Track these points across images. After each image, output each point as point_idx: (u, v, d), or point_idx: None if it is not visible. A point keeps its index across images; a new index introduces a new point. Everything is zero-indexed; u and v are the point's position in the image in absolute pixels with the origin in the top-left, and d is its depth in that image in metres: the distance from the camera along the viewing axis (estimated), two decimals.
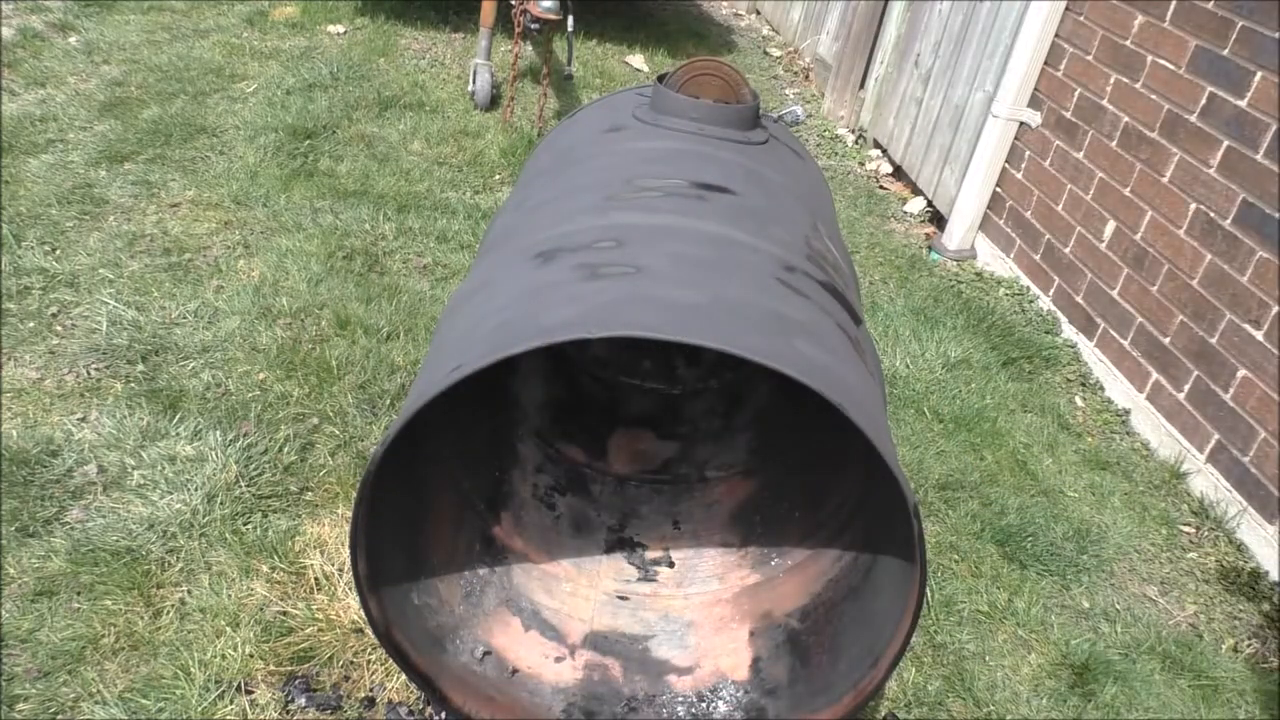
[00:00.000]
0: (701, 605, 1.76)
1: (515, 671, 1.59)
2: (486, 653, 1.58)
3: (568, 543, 1.83)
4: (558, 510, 1.88)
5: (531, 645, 1.65)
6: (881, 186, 4.38)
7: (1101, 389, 3.01)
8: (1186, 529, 2.48)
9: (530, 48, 4.73)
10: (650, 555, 1.85)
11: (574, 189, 1.56)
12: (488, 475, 1.79)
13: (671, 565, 1.84)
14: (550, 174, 1.72)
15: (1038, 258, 3.44)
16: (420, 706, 1.69)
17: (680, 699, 1.62)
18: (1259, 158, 2.44)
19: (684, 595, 1.79)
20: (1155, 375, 2.81)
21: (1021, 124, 3.52)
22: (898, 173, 4.43)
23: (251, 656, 1.72)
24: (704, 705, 1.61)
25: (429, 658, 1.44)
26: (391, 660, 1.36)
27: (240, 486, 2.06)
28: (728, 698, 1.62)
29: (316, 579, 1.89)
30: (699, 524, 1.92)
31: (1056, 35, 3.35)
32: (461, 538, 1.66)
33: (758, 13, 7.28)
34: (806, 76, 5.87)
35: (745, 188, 1.54)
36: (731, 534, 1.86)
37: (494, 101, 4.26)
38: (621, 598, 1.78)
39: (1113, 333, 3.02)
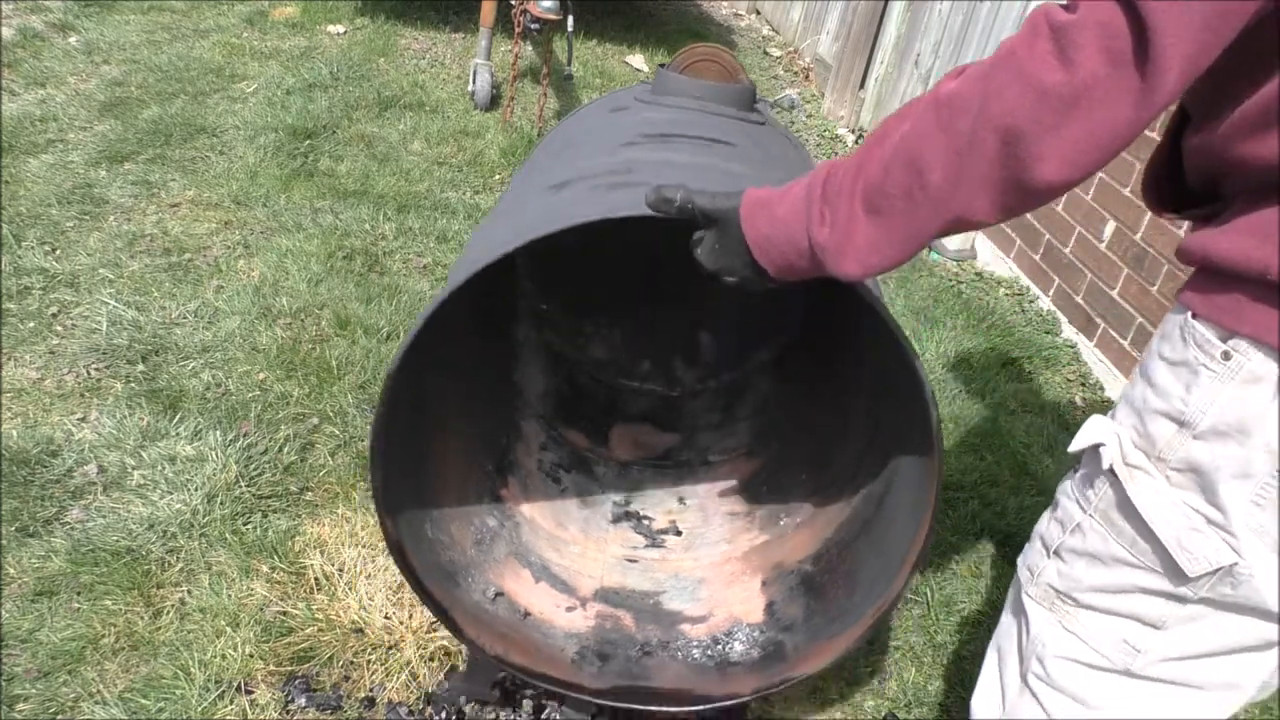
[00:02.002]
0: (711, 565, 1.80)
1: (527, 615, 1.64)
2: (499, 594, 1.62)
3: (574, 512, 1.87)
4: (563, 484, 1.92)
5: (542, 595, 1.69)
6: None
7: (1102, 389, 3.01)
8: None
9: (530, 48, 4.73)
10: (657, 526, 1.90)
11: (582, 150, 1.63)
12: (494, 443, 1.83)
13: (679, 534, 1.89)
14: (557, 150, 1.79)
15: (1038, 257, 3.43)
16: (420, 706, 1.69)
17: (695, 643, 1.66)
18: None
19: (693, 558, 1.83)
20: None
21: None
22: None
23: (251, 656, 1.72)
24: (719, 647, 1.65)
25: (442, 590, 1.48)
26: (408, 583, 1.40)
27: (240, 486, 2.06)
28: (743, 638, 1.65)
29: (316, 579, 1.89)
30: (704, 498, 1.95)
31: None
32: (470, 489, 1.70)
33: (758, 13, 7.28)
34: (806, 76, 5.88)
35: (745, 143, 1.60)
36: (738, 504, 1.91)
37: (494, 101, 4.26)
38: (630, 560, 1.82)
39: (1113, 333, 3.02)
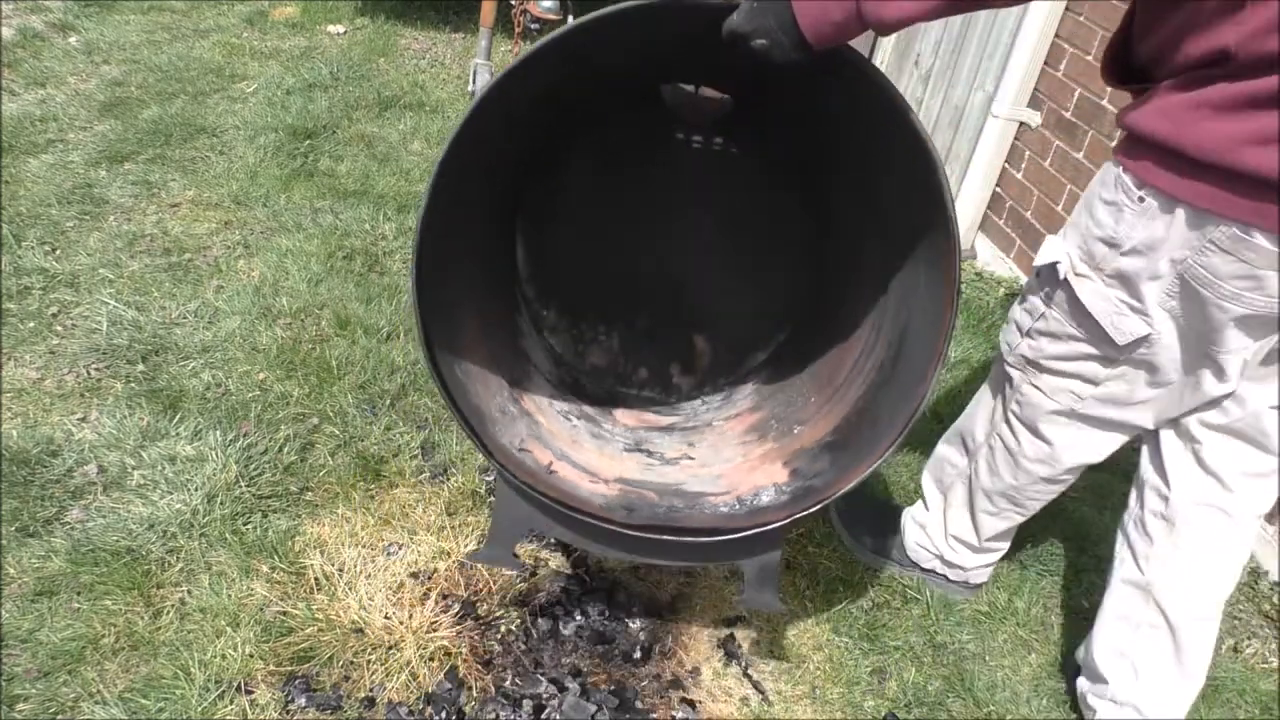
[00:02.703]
0: (731, 468, 1.87)
1: (552, 471, 1.69)
2: (524, 450, 1.65)
3: (587, 441, 1.92)
4: (574, 424, 1.96)
5: (565, 468, 1.74)
6: None
7: None
8: None
9: (530, 47, 4.72)
10: (670, 455, 1.95)
11: None
12: (509, 367, 1.88)
13: (693, 460, 1.94)
14: None
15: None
16: (420, 706, 1.69)
17: (723, 505, 1.70)
18: None
19: (711, 469, 1.89)
20: None
21: (1021, 124, 3.52)
22: None
23: (251, 656, 1.72)
24: (746, 502, 1.70)
25: (475, 421, 1.52)
26: (442, 399, 1.46)
27: (240, 486, 2.06)
28: (771, 493, 1.72)
29: (316, 579, 1.89)
30: (714, 441, 2.01)
31: (1056, 35, 3.35)
32: (491, 381, 1.75)
33: None
34: None
35: None
36: (749, 436, 1.97)
37: None
38: (648, 467, 1.90)
39: None
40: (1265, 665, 2.10)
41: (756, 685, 1.85)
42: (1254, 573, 2.34)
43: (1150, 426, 1.65)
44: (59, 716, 1.61)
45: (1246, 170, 1.21)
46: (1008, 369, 1.71)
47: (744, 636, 1.95)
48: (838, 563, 2.16)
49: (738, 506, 1.69)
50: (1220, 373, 1.48)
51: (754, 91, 2.06)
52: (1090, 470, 2.60)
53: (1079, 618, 2.15)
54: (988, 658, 2.00)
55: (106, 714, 1.60)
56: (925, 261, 1.53)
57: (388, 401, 2.39)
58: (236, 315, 2.61)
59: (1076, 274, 1.49)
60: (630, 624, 1.92)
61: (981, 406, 1.86)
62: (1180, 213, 1.32)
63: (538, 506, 1.58)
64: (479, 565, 1.95)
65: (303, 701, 1.67)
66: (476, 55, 4.29)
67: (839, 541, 2.20)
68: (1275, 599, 2.27)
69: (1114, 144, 1.48)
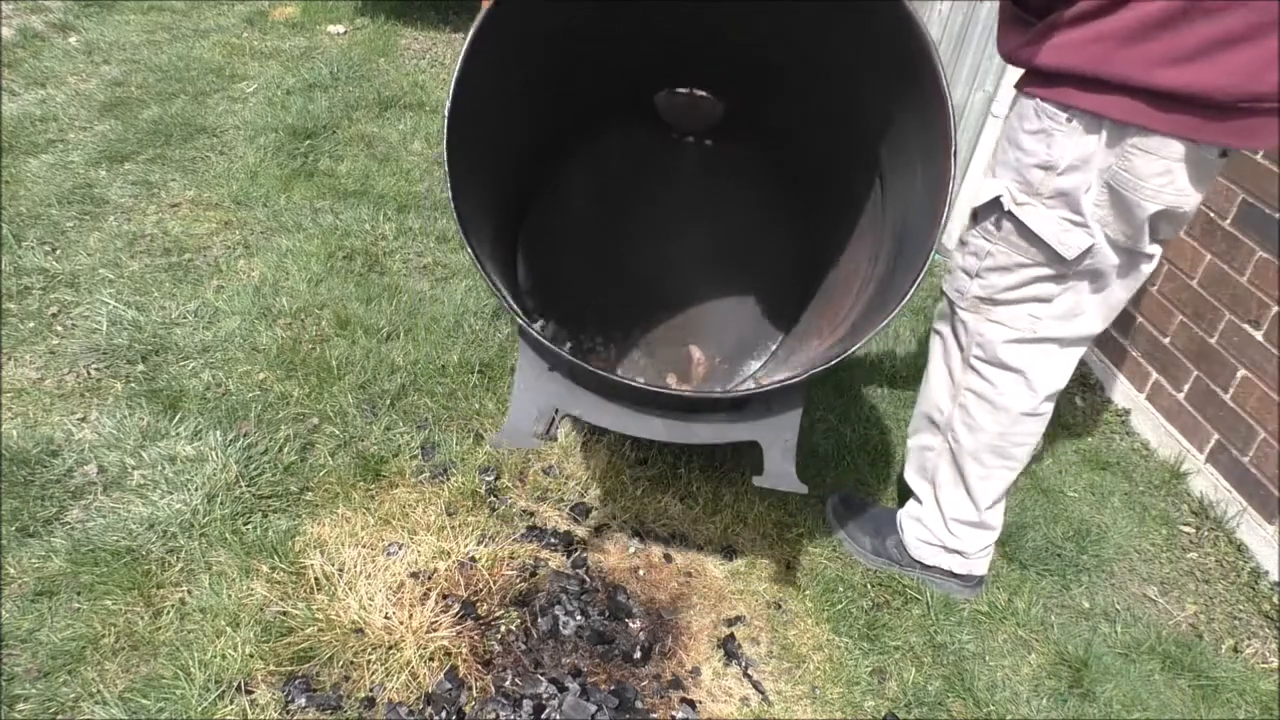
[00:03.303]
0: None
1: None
2: (544, 324, 1.65)
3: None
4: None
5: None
6: None
7: (1101, 389, 3.01)
8: (1186, 529, 2.48)
9: None
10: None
11: None
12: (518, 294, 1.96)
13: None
14: None
15: None
16: (420, 706, 1.69)
17: (743, 388, 1.71)
18: (1258, 158, 2.44)
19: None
20: (1155, 375, 2.81)
21: None
22: None
23: (251, 656, 1.72)
24: (772, 376, 1.70)
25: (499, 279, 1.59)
26: (461, 233, 1.51)
27: (240, 486, 2.06)
28: (788, 372, 1.77)
29: (316, 579, 1.89)
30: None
31: None
32: (505, 287, 1.80)
33: None
34: None
35: None
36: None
37: None
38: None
39: (1112, 332, 3.01)
40: (1265, 665, 2.10)
41: (756, 685, 1.85)
42: (1254, 573, 2.35)
43: (1099, 330, 1.82)
44: (59, 716, 1.61)
45: (1161, 88, 1.45)
46: (961, 315, 1.85)
47: (744, 636, 1.95)
48: (838, 563, 2.16)
49: (757, 387, 1.72)
50: (1145, 267, 1.74)
51: (742, 93, 2.10)
52: (1090, 470, 2.62)
53: (1079, 617, 2.15)
54: (988, 658, 2.00)
55: (106, 714, 1.60)
56: (920, 149, 1.60)
57: (388, 401, 2.38)
58: (236, 315, 2.60)
59: (1018, 203, 1.66)
60: (630, 624, 1.92)
61: (935, 380, 1.98)
62: (1106, 126, 1.53)
63: (561, 368, 1.57)
64: (479, 565, 1.95)
65: (303, 701, 1.67)
66: None
67: (839, 541, 2.20)
68: (1275, 599, 2.27)
69: (1021, 82, 1.64)
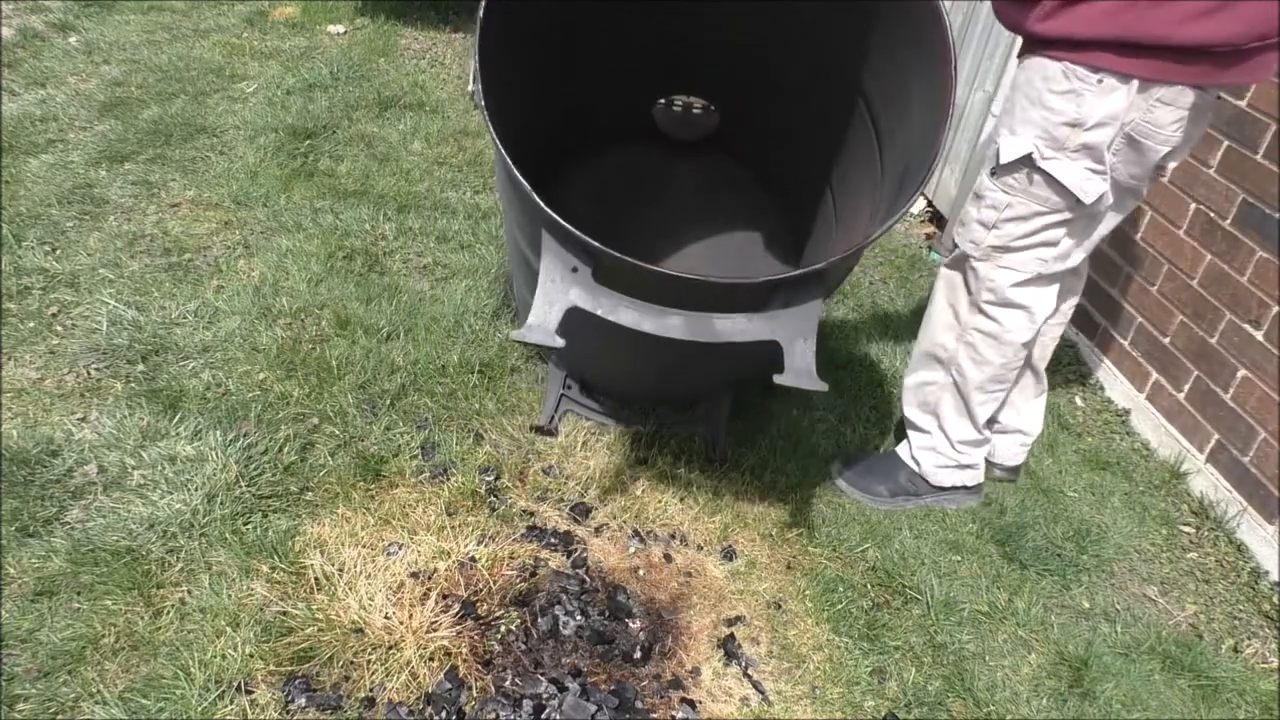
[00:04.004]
0: None
1: None
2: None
3: None
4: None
5: None
6: None
7: (1101, 389, 3.01)
8: (1186, 529, 2.48)
9: None
10: None
11: None
12: None
13: None
14: None
15: None
16: (420, 706, 1.69)
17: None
18: (1259, 158, 2.44)
19: None
20: (1155, 375, 2.81)
21: None
22: None
23: (251, 656, 1.72)
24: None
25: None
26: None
27: (240, 486, 2.06)
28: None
29: (316, 579, 1.89)
30: None
31: None
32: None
33: None
34: None
35: None
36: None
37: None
38: None
39: (1113, 333, 3.01)
40: (1265, 665, 2.10)
41: (756, 685, 1.85)
42: (1254, 573, 2.35)
43: (1077, 264, 2.08)
44: (59, 716, 1.61)
45: (1189, 43, 1.65)
46: (973, 264, 2.04)
47: (744, 636, 1.95)
48: (838, 563, 2.16)
49: (778, 274, 1.74)
50: (1133, 204, 2.01)
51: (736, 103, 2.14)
52: (1090, 470, 2.62)
53: (1079, 618, 2.15)
54: (988, 658, 2.00)
55: (106, 714, 1.60)
56: (915, 75, 1.69)
57: (388, 401, 2.38)
58: (236, 315, 2.61)
59: (1044, 158, 1.84)
60: (630, 624, 1.92)
61: (938, 321, 2.18)
62: (1134, 84, 1.73)
63: (582, 269, 1.58)
64: (479, 565, 1.95)
65: (303, 701, 1.67)
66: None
67: (839, 541, 2.21)
68: (1275, 599, 2.27)
69: (1038, 47, 1.81)
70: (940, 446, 2.29)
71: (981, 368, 2.14)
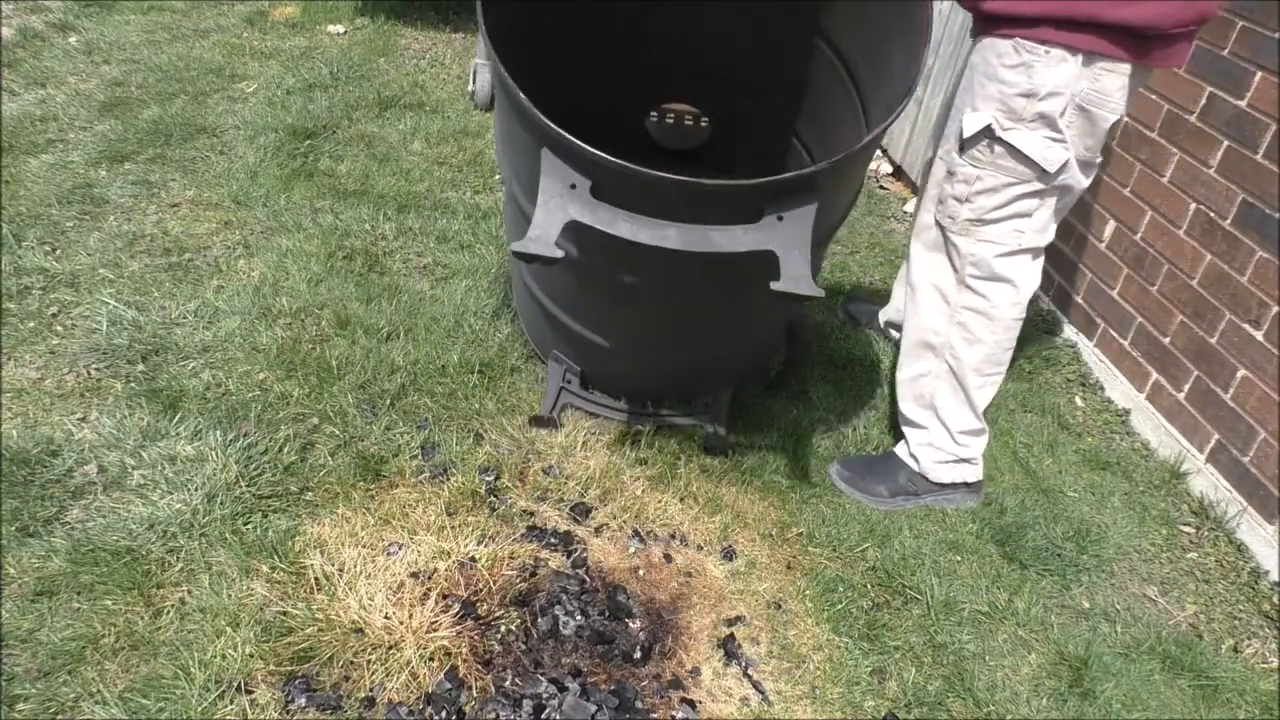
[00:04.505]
0: None
1: None
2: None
3: None
4: None
5: None
6: (881, 186, 4.38)
7: (1101, 389, 3.01)
8: (1186, 529, 2.48)
9: None
10: None
11: None
12: None
13: None
14: None
15: None
16: (420, 706, 1.69)
17: None
18: (1259, 158, 2.44)
19: None
20: (1155, 375, 2.81)
21: None
22: (898, 173, 4.43)
23: (251, 656, 1.72)
24: None
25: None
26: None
27: (240, 486, 2.06)
28: None
29: (316, 579, 1.89)
30: None
31: None
32: None
33: None
34: None
35: None
36: None
37: (494, 101, 4.25)
38: None
39: (1113, 333, 3.01)
40: (1265, 665, 2.10)
41: (756, 685, 1.85)
42: (1254, 573, 2.35)
43: (1052, 236, 2.14)
44: (59, 716, 1.61)
45: (1115, 22, 1.81)
46: (953, 239, 2.12)
47: (744, 636, 1.95)
48: (838, 563, 2.16)
49: (773, 178, 1.77)
50: (1089, 178, 2.08)
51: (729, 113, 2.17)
52: (1090, 470, 2.62)
53: (1079, 618, 2.15)
54: (988, 658, 2.00)
55: (106, 714, 1.60)
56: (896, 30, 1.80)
57: (388, 401, 2.39)
58: (236, 315, 2.61)
59: (1004, 129, 1.96)
60: (630, 624, 1.92)
61: (925, 306, 2.24)
62: (1080, 56, 1.87)
63: (580, 184, 1.61)
64: (479, 565, 1.96)
65: (303, 701, 1.67)
66: (476, 55, 4.29)
67: (839, 541, 2.21)
68: (1275, 599, 2.27)
69: (991, 26, 1.95)
70: (938, 441, 2.31)
71: (976, 347, 2.18)
